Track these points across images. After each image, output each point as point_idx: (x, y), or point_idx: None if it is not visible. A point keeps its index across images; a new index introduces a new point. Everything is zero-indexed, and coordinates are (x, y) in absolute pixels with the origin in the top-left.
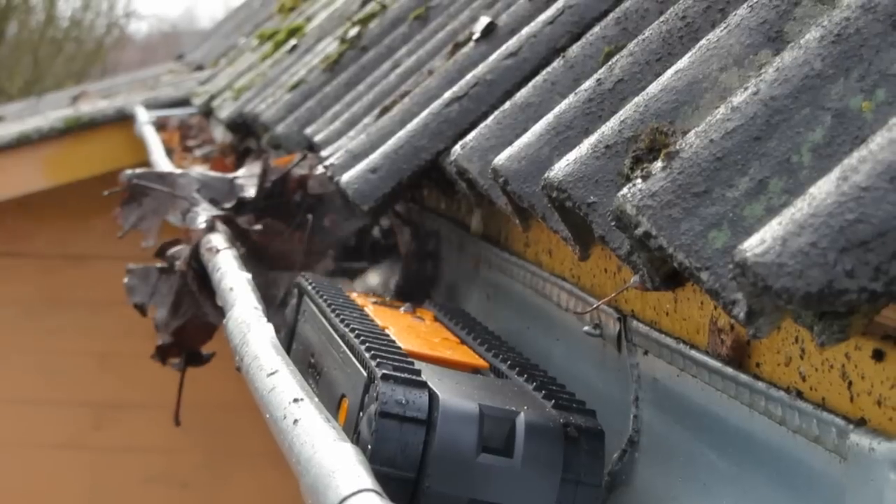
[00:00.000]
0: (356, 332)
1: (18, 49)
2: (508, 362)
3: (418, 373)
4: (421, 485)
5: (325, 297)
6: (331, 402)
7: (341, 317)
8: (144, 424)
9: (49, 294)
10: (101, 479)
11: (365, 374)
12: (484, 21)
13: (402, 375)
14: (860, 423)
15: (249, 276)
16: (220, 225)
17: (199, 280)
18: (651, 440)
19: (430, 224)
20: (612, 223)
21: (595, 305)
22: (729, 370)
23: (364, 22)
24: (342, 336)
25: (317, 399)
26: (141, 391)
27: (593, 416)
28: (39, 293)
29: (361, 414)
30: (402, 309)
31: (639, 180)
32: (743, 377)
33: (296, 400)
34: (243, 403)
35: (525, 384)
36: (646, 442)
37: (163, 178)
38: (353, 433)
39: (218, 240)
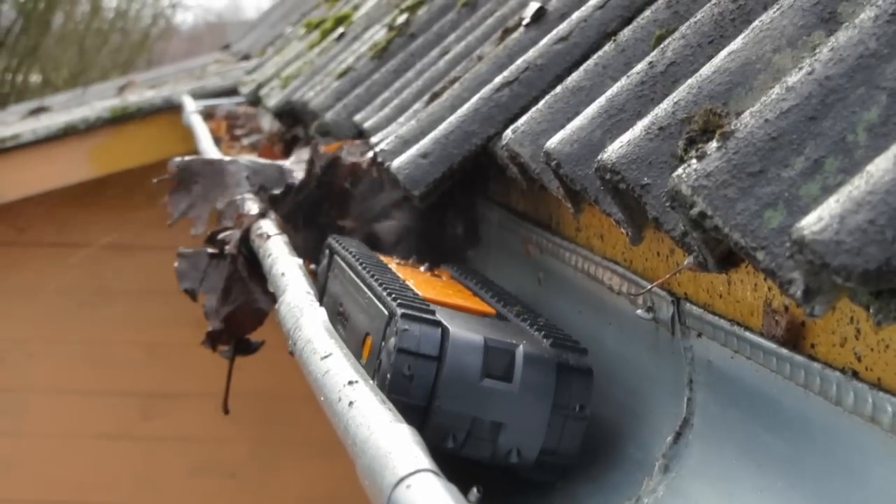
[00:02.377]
0: (378, 280)
1: (64, 40)
2: (513, 310)
3: (432, 311)
4: (432, 404)
5: (353, 253)
6: (356, 342)
7: (367, 269)
8: (192, 414)
9: (97, 284)
10: (149, 468)
11: (386, 313)
12: (534, 6)
13: (418, 313)
14: None
15: (301, 261)
16: (270, 211)
17: (249, 266)
18: (705, 422)
19: (479, 209)
20: (667, 204)
21: (648, 288)
22: (784, 351)
23: (412, 9)
24: (367, 284)
25: (371, 381)
26: (188, 381)
27: (585, 353)
28: (87, 283)
29: (383, 344)
30: (421, 268)
31: (694, 161)
32: (798, 358)
33: (351, 382)
34: (291, 393)
35: (526, 326)
36: (700, 424)
37: (212, 165)
38: (375, 363)
39: (268, 226)
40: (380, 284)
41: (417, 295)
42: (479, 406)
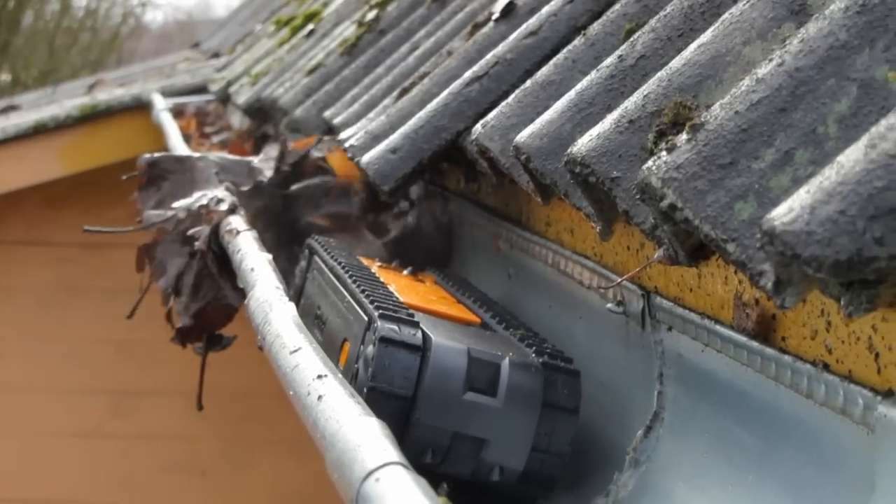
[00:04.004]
0: (359, 284)
1: (34, 39)
2: (498, 319)
3: (414, 319)
4: (411, 417)
5: (333, 255)
6: (333, 349)
7: (348, 271)
8: (163, 412)
9: (67, 282)
10: (119, 466)
11: (366, 318)
12: (503, 1)
13: (399, 317)
14: (888, 394)
15: (270, 256)
16: (240, 207)
17: (219, 262)
18: (676, 416)
19: (449, 204)
20: (637, 197)
21: (618, 281)
22: (755, 344)
23: (382, 5)
24: (346, 287)
25: (340, 375)
26: (159, 379)
27: (575, 371)
28: (57, 282)
29: (361, 349)
30: (404, 272)
31: (664, 153)
32: (769, 351)
33: (320, 376)
34: (262, 391)
35: (511, 337)
36: (670, 418)
37: (181, 161)
38: (351, 373)
39: (238, 222)
40: (360, 289)
41: (399, 301)
42: (460, 421)
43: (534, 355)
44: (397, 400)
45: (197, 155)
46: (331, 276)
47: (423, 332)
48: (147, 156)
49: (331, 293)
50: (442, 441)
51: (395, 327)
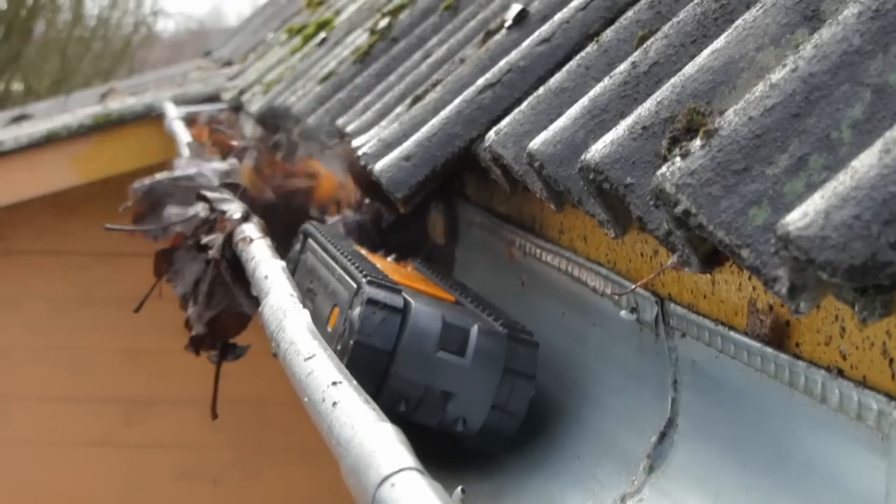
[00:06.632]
0: (350, 259)
1: (46, 48)
2: (469, 299)
3: (397, 286)
4: (390, 369)
5: (326, 236)
6: (323, 315)
7: (339, 249)
8: (175, 421)
9: (80, 291)
10: (132, 475)
11: (354, 285)
12: (516, 8)
13: (384, 283)
14: None
15: (283, 263)
16: (253, 215)
17: (233, 270)
18: (690, 422)
19: (461, 211)
20: (651, 203)
21: (632, 288)
22: (769, 350)
23: (394, 13)
24: (338, 262)
25: (355, 382)
26: (172, 388)
27: (533, 340)
28: (70, 290)
29: (348, 314)
30: (388, 258)
31: (678, 159)
32: (783, 357)
33: (335, 383)
34: (274, 399)
35: (480, 312)
36: (685, 424)
37: (177, 181)
38: (338, 333)
39: (251, 229)
40: (351, 262)
41: (383, 272)
42: (432, 375)
43: (498, 326)
44: (378, 353)
45: (193, 171)
46: (323, 254)
47: (404, 297)
48: (138, 185)
49: (323, 269)
50: (415, 392)
51: (381, 291)
